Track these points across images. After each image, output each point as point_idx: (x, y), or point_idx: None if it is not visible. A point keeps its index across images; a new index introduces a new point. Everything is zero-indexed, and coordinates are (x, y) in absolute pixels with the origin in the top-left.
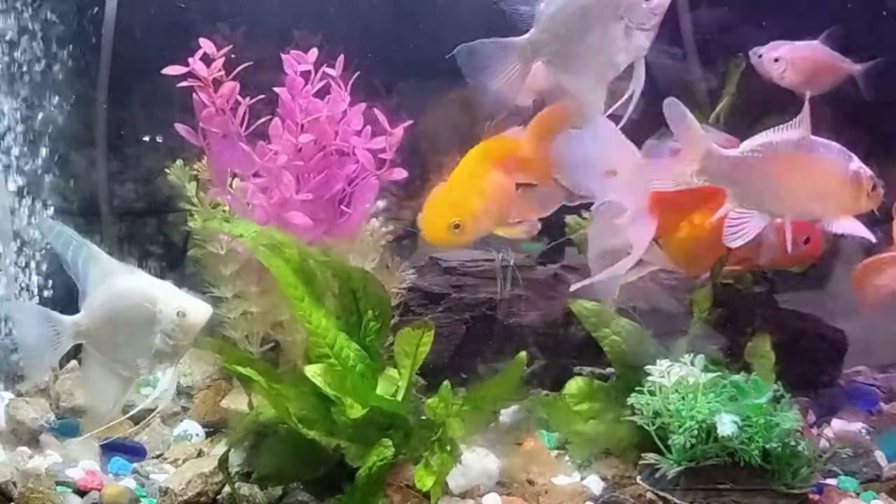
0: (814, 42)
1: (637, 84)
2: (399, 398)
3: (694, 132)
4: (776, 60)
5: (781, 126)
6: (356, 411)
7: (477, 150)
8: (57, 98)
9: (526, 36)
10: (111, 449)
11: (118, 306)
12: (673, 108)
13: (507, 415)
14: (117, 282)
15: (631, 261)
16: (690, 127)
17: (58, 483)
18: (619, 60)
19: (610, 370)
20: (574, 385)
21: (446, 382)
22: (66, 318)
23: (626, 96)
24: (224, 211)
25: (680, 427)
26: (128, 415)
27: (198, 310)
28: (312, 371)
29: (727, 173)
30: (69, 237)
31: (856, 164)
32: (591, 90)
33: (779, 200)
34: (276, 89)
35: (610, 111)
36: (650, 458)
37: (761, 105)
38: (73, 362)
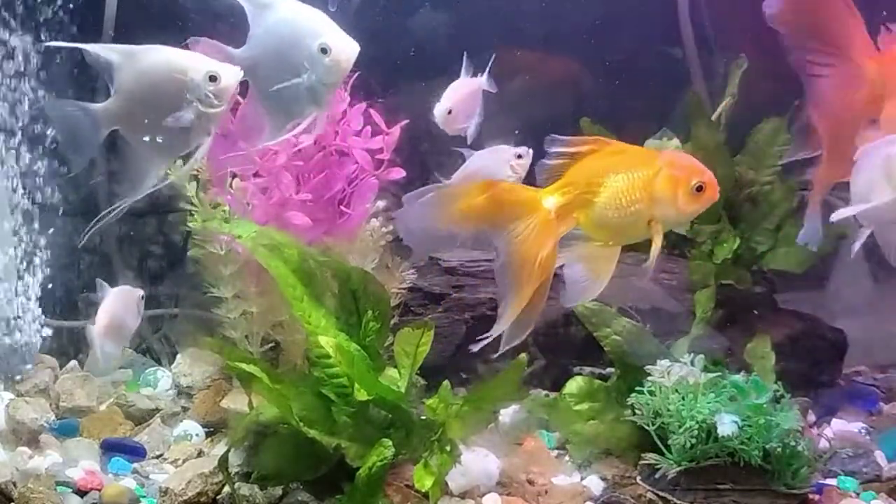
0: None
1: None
2: None
3: None
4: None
5: None
6: (362, 395)
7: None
8: (55, 96)
9: (103, 104)
10: (111, 449)
11: (147, 83)
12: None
13: (507, 415)
14: (141, 61)
15: None
16: None
17: (58, 483)
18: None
19: (610, 370)
20: (574, 385)
21: (446, 382)
22: (98, 106)
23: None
24: (224, 211)
25: (680, 427)
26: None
27: (229, 72)
28: (326, 342)
29: None
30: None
31: None
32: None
33: None
34: None
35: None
36: (650, 458)
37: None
38: (73, 362)
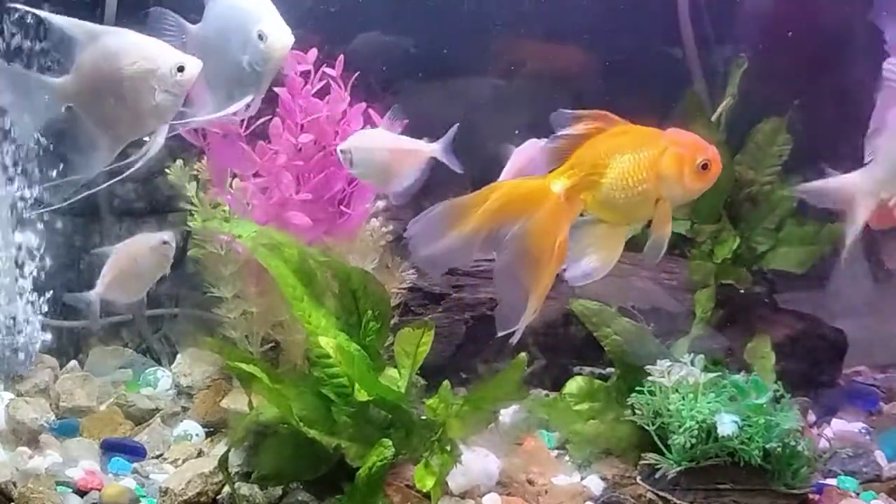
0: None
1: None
2: None
3: None
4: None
5: None
6: (362, 395)
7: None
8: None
9: (62, 78)
10: (111, 449)
11: (111, 66)
12: None
13: (507, 415)
14: (107, 43)
15: None
16: None
17: (58, 483)
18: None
19: (610, 370)
20: (574, 385)
21: (446, 382)
22: (56, 80)
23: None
24: (224, 211)
25: (680, 427)
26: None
27: (192, 63)
28: (326, 342)
29: None
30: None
31: None
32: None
33: None
34: (275, 89)
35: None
36: (650, 458)
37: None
38: (73, 362)
